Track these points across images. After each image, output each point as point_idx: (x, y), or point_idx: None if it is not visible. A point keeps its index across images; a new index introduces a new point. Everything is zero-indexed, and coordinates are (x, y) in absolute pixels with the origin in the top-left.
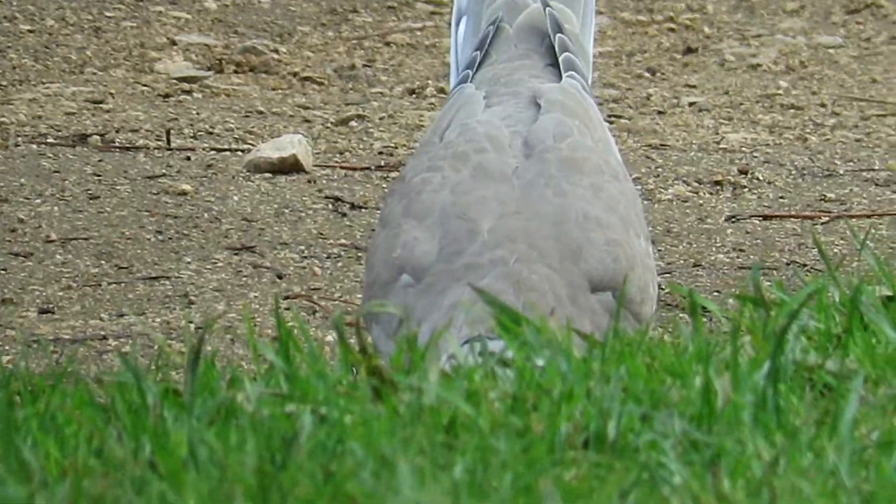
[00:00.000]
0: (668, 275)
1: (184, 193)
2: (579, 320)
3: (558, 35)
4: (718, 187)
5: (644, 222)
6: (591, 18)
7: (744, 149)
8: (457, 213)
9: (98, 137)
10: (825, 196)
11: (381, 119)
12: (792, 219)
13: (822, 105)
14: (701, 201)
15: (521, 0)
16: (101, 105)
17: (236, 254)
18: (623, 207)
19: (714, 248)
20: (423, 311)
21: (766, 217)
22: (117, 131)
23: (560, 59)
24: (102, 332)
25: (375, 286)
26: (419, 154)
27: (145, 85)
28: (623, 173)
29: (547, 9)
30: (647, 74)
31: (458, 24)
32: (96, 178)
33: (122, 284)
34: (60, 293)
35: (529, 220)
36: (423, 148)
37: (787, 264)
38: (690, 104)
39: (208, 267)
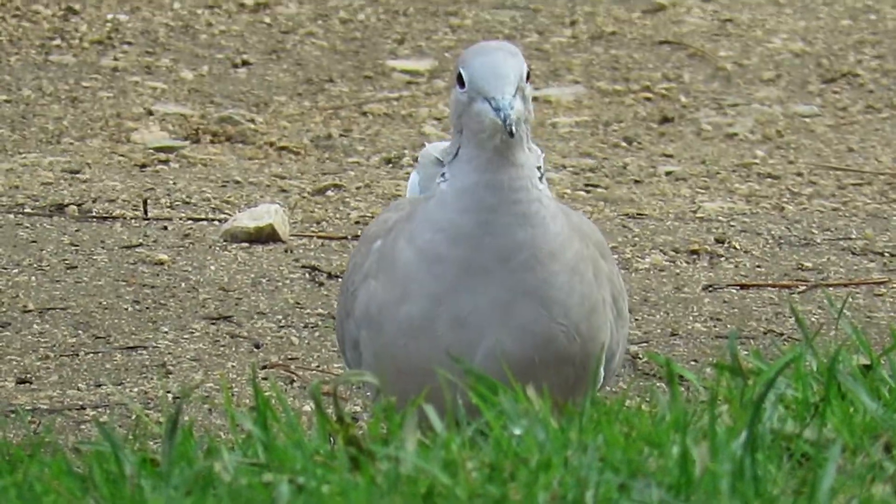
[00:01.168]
0: (645, 343)
1: (161, 263)
2: (574, 237)
3: None
4: (695, 256)
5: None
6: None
7: (720, 218)
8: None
9: (75, 207)
10: (802, 265)
11: (357, 188)
12: (769, 288)
13: (799, 174)
14: (678, 270)
15: None
16: (78, 175)
17: (213, 323)
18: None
19: (691, 317)
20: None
21: (743, 286)
22: (94, 201)
23: None
24: (80, 402)
25: (353, 274)
26: None
27: (122, 155)
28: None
29: None
30: (623, 143)
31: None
32: (73, 247)
33: (100, 354)
34: (38, 363)
35: None
36: None
37: (765, 333)
38: (667, 173)
39: (185, 336)
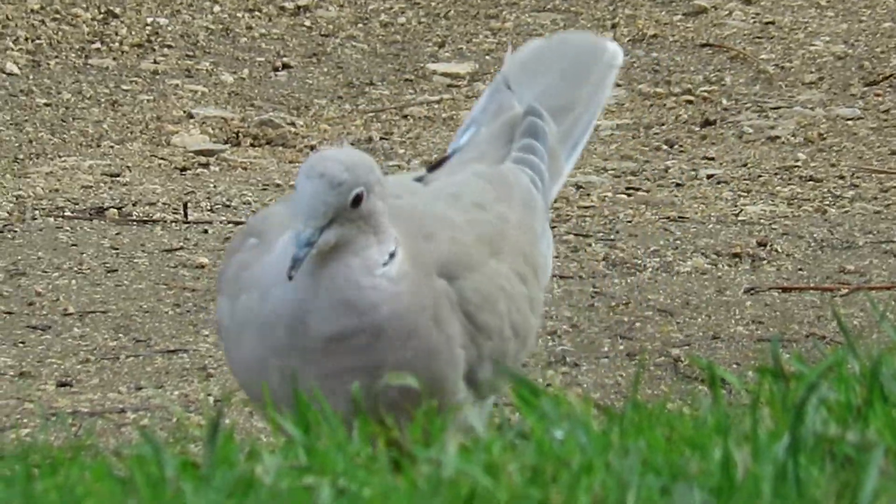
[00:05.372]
0: (686, 347)
1: (201, 266)
2: (419, 289)
3: (526, 140)
4: (737, 259)
5: (530, 267)
6: (585, 134)
7: (762, 221)
8: None
9: (115, 210)
10: (844, 268)
11: None
12: (811, 291)
13: (841, 177)
14: (719, 273)
15: (506, 104)
16: (118, 178)
17: None
18: (490, 233)
19: (733, 321)
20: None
21: (784, 289)
22: (134, 204)
23: (512, 155)
24: (121, 405)
25: (226, 253)
26: None
27: (162, 158)
28: (521, 226)
29: (529, 118)
30: (664, 147)
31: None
32: (114, 251)
33: (140, 357)
34: (78, 366)
35: (398, 208)
36: None
37: (807, 336)
38: (709, 176)
39: None
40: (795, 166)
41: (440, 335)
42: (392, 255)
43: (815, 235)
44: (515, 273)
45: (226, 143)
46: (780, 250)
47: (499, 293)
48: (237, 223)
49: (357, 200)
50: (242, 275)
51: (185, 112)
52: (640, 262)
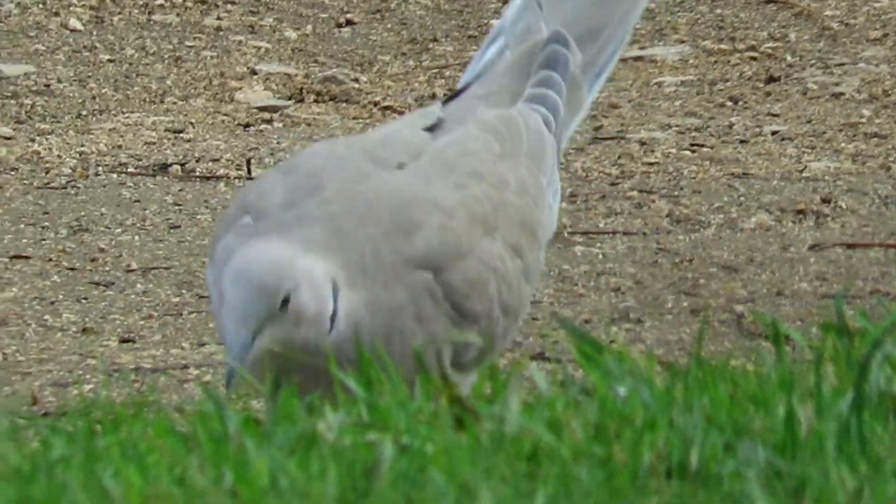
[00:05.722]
0: (750, 303)
1: None
2: (391, 288)
3: (543, 72)
4: (801, 216)
5: (528, 232)
6: (612, 60)
7: (826, 177)
8: (314, 173)
9: (178, 167)
10: None
11: None
12: (875, 247)
13: None
14: (784, 230)
15: (534, 27)
16: (181, 134)
17: None
18: (484, 210)
19: (797, 277)
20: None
21: (849, 246)
22: (198, 161)
23: (526, 92)
24: (183, 361)
25: (221, 219)
26: None
27: (225, 114)
28: (521, 189)
29: (551, 46)
30: (729, 103)
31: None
32: (177, 207)
33: (203, 313)
34: (141, 322)
35: (378, 191)
36: None
37: (871, 293)
38: (773, 133)
39: None
40: (860, 123)
41: (424, 333)
42: (334, 314)
43: (879, 192)
44: (510, 248)
45: (289, 99)
46: (844, 207)
47: (489, 275)
48: None
49: (286, 302)
50: (226, 259)
51: (248, 68)
52: (704, 218)
